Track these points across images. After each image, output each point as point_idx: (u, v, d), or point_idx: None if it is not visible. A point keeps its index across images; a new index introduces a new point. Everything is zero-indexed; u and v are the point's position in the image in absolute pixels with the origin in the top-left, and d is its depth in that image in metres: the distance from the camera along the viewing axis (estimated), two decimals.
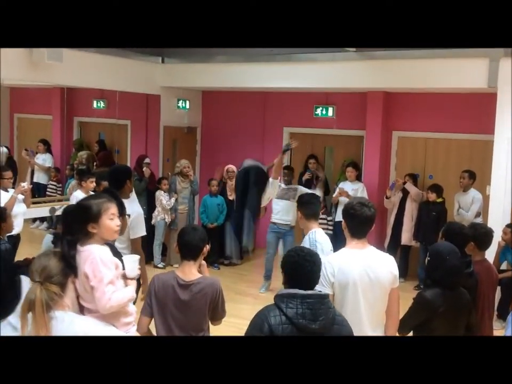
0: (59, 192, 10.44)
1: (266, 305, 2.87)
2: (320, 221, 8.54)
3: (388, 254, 3.58)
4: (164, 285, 3.45)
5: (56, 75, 7.83)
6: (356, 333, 3.12)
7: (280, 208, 7.93)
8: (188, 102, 10.19)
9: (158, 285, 3.46)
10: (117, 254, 3.17)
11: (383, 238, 8.71)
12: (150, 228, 8.48)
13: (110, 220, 2.98)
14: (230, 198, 9.01)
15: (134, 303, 3.32)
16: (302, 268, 2.83)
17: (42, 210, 8.94)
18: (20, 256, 4.70)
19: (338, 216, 8.32)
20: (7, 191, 6.60)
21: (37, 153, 10.69)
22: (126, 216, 4.52)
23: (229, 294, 6.18)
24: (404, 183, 8.45)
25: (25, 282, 2.95)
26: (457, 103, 8.39)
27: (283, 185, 8.17)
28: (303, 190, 7.88)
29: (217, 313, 3.52)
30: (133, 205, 4.92)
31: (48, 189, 10.59)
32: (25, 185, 6.82)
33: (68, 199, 8.15)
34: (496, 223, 6.43)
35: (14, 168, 9.76)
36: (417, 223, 8.39)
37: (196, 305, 3.41)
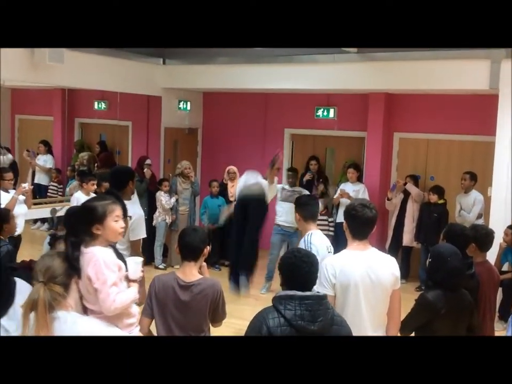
0: (60, 193, 10.43)
1: (265, 306, 2.86)
2: (321, 222, 8.58)
3: (389, 255, 3.57)
4: (164, 285, 3.45)
5: (57, 76, 7.83)
6: (357, 334, 3.12)
7: (284, 211, 7.92)
8: (189, 103, 10.19)
9: (158, 285, 3.46)
10: (120, 256, 3.17)
11: (384, 240, 8.70)
12: (151, 229, 8.49)
13: (114, 222, 2.97)
14: (231, 199, 9.00)
15: (138, 304, 3.32)
16: (299, 269, 2.83)
17: (43, 211, 8.95)
18: (20, 257, 4.71)
19: (339, 218, 8.32)
20: (8, 192, 6.61)
21: (38, 154, 10.70)
22: (128, 217, 4.52)
23: (230, 295, 6.17)
24: (405, 184, 8.45)
25: (20, 285, 2.95)
26: (458, 105, 8.39)
27: (287, 187, 8.14)
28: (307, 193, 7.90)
29: (217, 314, 3.51)
30: (135, 207, 4.91)
31: (49, 190, 10.59)
32: (26, 186, 6.83)
33: (68, 200, 8.15)
34: (497, 225, 6.43)
35: (15, 169, 9.77)
36: (419, 224, 8.38)
37: (196, 306, 3.41)
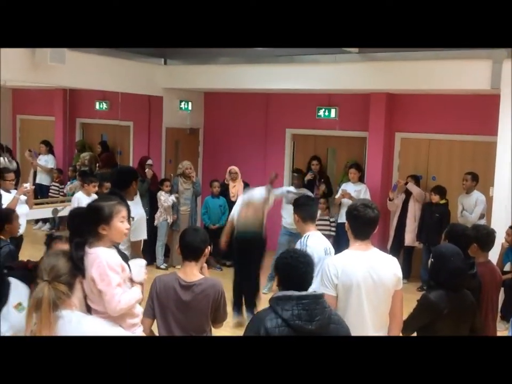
0: (61, 194, 10.44)
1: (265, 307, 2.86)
2: (323, 222, 8.58)
3: (391, 255, 3.57)
4: (166, 286, 3.45)
5: (59, 76, 7.84)
6: (359, 334, 3.12)
7: (290, 213, 7.90)
8: (190, 103, 10.19)
9: (159, 286, 3.47)
10: (124, 256, 3.17)
11: (385, 240, 8.69)
12: (153, 229, 8.48)
13: (120, 223, 2.98)
14: (233, 199, 9.00)
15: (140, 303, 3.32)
16: (296, 270, 2.83)
17: (45, 212, 8.96)
18: (22, 257, 4.71)
19: (341, 218, 8.31)
20: (10, 192, 6.61)
21: (39, 154, 10.71)
22: (131, 218, 4.52)
23: (231, 295, 6.18)
24: (406, 183, 8.44)
25: (15, 285, 2.95)
26: (460, 105, 8.38)
27: (293, 190, 8.12)
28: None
29: (218, 315, 3.51)
30: (137, 207, 4.92)
31: (50, 190, 10.59)
32: (28, 186, 6.83)
33: (70, 200, 8.15)
34: (499, 224, 6.43)
35: (17, 169, 9.78)
36: (420, 224, 8.38)
37: (197, 306, 3.41)
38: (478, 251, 4.25)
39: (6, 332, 2.76)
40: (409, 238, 8.48)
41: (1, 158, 9.59)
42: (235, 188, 9.08)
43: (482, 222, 7.48)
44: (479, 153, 8.35)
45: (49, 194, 10.50)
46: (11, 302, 2.99)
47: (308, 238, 4.34)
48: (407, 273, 8.23)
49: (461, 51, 6.97)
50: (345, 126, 9.27)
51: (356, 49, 7.84)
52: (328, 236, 8.42)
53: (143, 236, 5.02)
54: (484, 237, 4.32)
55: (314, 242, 4.29)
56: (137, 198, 5.17)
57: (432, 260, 3.71)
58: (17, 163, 10.50)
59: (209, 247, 3.57)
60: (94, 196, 6.94)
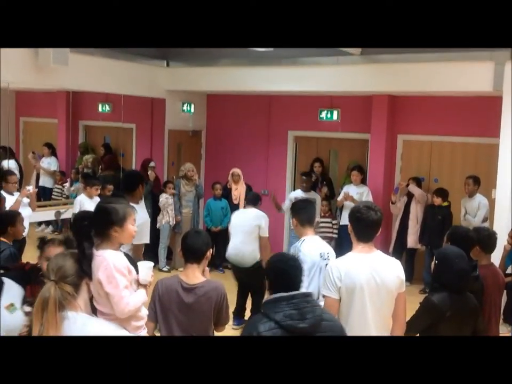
0: (64, 196, 10.46)
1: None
2: (325, 224, 8.58)
3: (394, 258, 3.56)
4: (168, 289, 3.46)
5: (62, 79, 7.85)
6: None
7: None
8: (192, 105, 10.20)
9: (162, 289, 3.47)
10: (130, 259, 3.19)
11: (388, 242, 8.68)
12: (155, 232, 8.49)
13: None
14: (235, 202, 9.01)
15: None
16: (287, 274, 2.84)
17: (48, 214, 8.96)
18: (24, 259, 4.71)
19: (343, 220, 8.31)
20: (13, 195, 6.62)
21: (42, 156, 10.72)
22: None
23: (234, 297, 6.18)
24: (407, 185, 8.44)
25: (8, 285, 2.96)
26: (462, 107, 8.37)
27: (301, 194, 8.11)
28: (318, 205, 7.91)
29: (221, 317, 3.52)
30: (142, 211, 4.94)
31: (53, 193, 10.61)
32: (31, 188, 6.83)
33: (72, 203, 8.16)
34: (501, 227, 6.42)
35: (20, 171, 9.79)
36: (423, 226, 8.37)
37: (200, 308, 3.41)
38: (480, 253, 4.25)
39: None
40: (412, 240, 8.47)
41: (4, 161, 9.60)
42: (237, 190, 9.08)
43: (486, 225, 7.46)
44: (482, 155, 8.34)
45: (52, 196, 10.52)
46: (3, 303, 3.00)
47: (302, 242, 4.36)
48: (410, 276, 8.21)
49: (463, 53, 6.97)
50: (348, 128, 9.27)
51: (358, 51, 7.85)
52: (330, 238, 8.46)
53: (146, 240, 5.04)
54: (486, 238, 4.32)
55: (309, 247, 4.31)
56: (142, 202, 5.20)
57: (436, 261, 3.70)
58: (20, 165, 10.52)
59: (211, 249, 3.58)
60: (97, 199, 6.94)
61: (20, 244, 6.23)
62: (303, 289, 2.96)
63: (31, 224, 7.06)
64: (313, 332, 2.67)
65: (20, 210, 6.36)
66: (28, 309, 3.24)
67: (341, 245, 7.84)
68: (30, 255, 5.29)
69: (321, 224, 8.53)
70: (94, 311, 2.88)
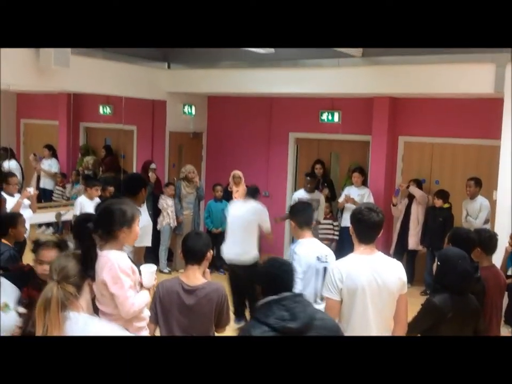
0: (65, 198, 10.46)
1: None
2: (326, 226, 8.57)
3: (395, 259, 3.56)
4: (169, 291, 3.46)
5: (63, 81, 7.85)
6: None
7: None
8: (193, 107, 10.20)
9: (162, 291, 3.47)
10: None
11: (389, 244, 8.67)
12: (156, 233, 8.48)
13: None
14: None
15: None
16: (279, 278, 2.82)
17: (48, 216, 8.96)
18: (25, 261, 4.70)
19: (344, 222, 8.30)
20: (13, 196, 6.62)
21: (43, 157, 10.73)
22: None
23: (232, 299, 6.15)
24: (408, 187, 8.43)
25: (3, 286, 2.95)
26: (463, 108, 8.37)
27: (305, 195, 8.08)
28: (322, 204, 7.87)
29: (222, 319, 3.51)
30: (144, 214, 4.95)
31: (54, 194, 10.61)
32: (31, 190, 6.84)
33: (73, 205, 8.16)
34: (503, 228, 6.41)
35: (21, 172, 9.80)
36: (424, 228, 8.37)
37: (201, 310, 3.41)
38: (481, 255, 4.24)
39: None
40: (413, 241, 8.47)
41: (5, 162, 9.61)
42: (238, 192, 9.07)
43: (487, 227, 7.46)
44: (483, 157, 8.33)
45: (53, 198, 10.52)
46: None
47: (297, 245, 4.35)
48: (411, 277, 8.19)
49: (464, 55, 6.97)
50: (349, 129, 9.26)
51: (359, 53, 7.84)
52: (331, 240, 8.46)
53: (148, 242, 5.05)
54: (487, 240, 4.31)
55: (305, 249, 4.31)
56: (144, 205, 5.22)
57: (439, 263, 3.69)
58: (21, 167, 10.52)
59: (211, 250, 3.58)
60: (97, 200, 6.95)
61: (20, 245, 6.22)
62: (296, 291, 2.95)
63: (31, 225, 7.06)
64: (306, 331, 2.65)
65: (21, 212, 6.38)
66: (21, 310, 3.24)
67: (342, 247, 7.83)
68: (30, 257, 5.28)
69: (322, 226, 8.53)
70: (96, 311, 2.88)
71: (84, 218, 3.70)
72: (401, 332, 3.44)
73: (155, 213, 8.69)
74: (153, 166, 9.16)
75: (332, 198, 9.10)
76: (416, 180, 8.58)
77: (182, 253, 3.54)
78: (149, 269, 3.15)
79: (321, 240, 5.09)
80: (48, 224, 10.70)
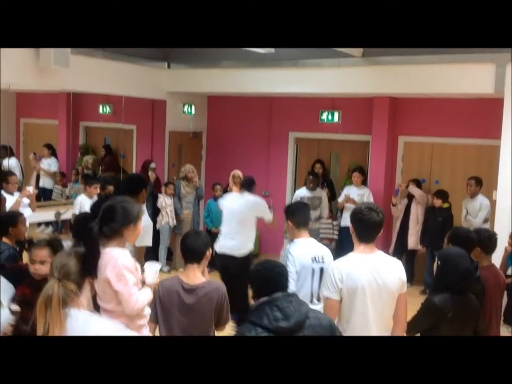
0: (64, 197, 10.46)
1: None
2: (326, 225, 8.57)
3: (395, 258, 3.56)
4: (168, 290, 3.45)
5: (63, 80, 7.85)
6: None
7: None
8: (193, 107, 10.20)
9: (162, 291, 3.47)
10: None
11: (388, 244, 8.67)
12: (155, 233, 8.48)
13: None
14: None
15: None
16: (273, 280, 2.81)
17: (48, 215, 8.96)
18: (24, 260, 4.70)
19: (344, 221, 8.31)
20: (13, 195, 6.61)
21: (42, 157, 10.73)
22: None
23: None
24: (407, 186, 8.44)
25: (3, 284, 2.95)
26: (463, 108, 8.37)
27: (307, 193, 8.06)
28: (325, 201, 7.84)
29: (222, 317, 3.52)
30: (145, 214, 4.96)
31: (53, 194, 10.61)
32: (31, 189, 6.83)
33: (72, 203, 8.16)
34: (502, 228, 6.41)
35: (21, 170, 9.80)
36: (423, 228, 8.37)
37: (201, 309, 3.41)
38: (481, 254, 4.24)
39: None
40: (412, 241, 8.47)
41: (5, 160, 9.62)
42: (238, 192, 9.05)
43: (486, 226, 7.46)
44: (483, 157, 8.33)
45: (52, 197, 10.51)
46: None
47: (292, 245, 4.33)
48: (410, 277, 8.20)
49: (464, 55, 6.97)
50: (349, 129, 9.26)
51: (359, 53, 7.85)
52: (330, 240, 8.46)
53: (148, 242, 5.06)
54: (486, 239, 4.31)
55: (299, 249, 4.28)
56: (144, 206, 5.22)
57: (439, 262, 3.69)
58: (20, 165, 10.53)
59: (210, 249, 3.58)
60: (96, 198, 6.94)
61: (21, 244, 6.22)
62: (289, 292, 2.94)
63: (30, 224, 7.05)
64: (298, 329, 2.64)
65: (20, 210, 6.37)
66: (15, 307, 3.24)
67: (342, 246, 7.84)
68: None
69: (322, 226, 8.53)
70: (97, 308, 2.89)
71: (83, 217, 3.71)
72: (401, 331, 3.44)
73: (154, 212, 8.69)
74: (153, 165, 9.17)
75: (331, 198, 9.10)
76: (415, 179, 8.58)
77: (181, 252, 3.54)
78: (153, 267, 3.16)
79: (321, 239, 5.07)
80: (47, 223, 10.70)
